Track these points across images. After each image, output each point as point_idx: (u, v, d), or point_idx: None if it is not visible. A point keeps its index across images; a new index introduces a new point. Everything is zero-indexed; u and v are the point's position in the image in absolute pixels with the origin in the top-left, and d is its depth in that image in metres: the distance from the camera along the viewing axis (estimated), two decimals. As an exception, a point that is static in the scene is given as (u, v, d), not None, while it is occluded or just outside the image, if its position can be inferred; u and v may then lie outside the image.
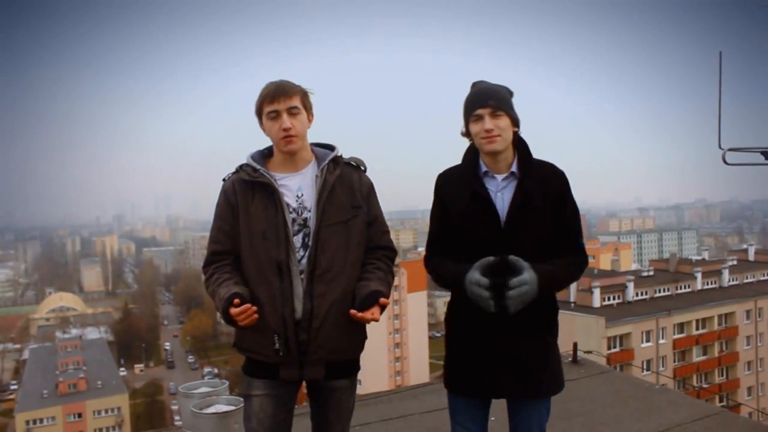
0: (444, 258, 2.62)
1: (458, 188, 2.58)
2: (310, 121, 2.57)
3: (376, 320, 2.44)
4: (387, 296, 2.49)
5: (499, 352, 2.51)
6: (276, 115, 2.48)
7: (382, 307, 2.46)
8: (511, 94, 2.56)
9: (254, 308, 2.35)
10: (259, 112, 2.54)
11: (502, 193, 2.53)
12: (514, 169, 2.55)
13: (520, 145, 2.58)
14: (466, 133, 2.59)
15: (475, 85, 2.61)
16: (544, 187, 2.52)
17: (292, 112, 2.49)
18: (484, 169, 2.57)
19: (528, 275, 2.38)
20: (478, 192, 2.52)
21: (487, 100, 2.47)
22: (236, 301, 2.33)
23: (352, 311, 2.41)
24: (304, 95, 2.54)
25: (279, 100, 2.47)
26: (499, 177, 2.55)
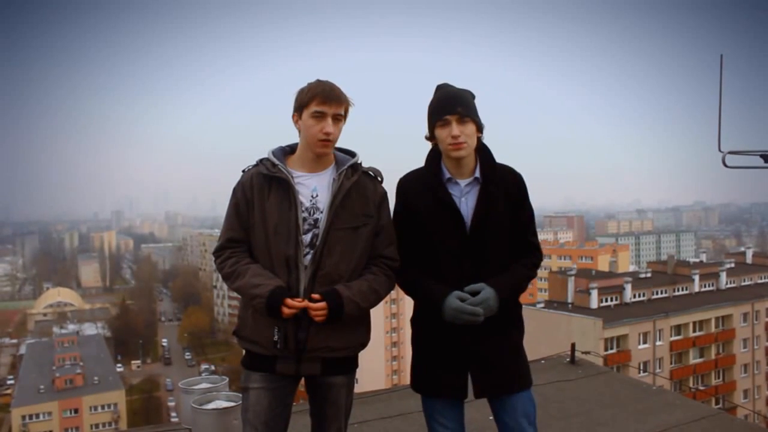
0: (414, 270, 2.65)
1: (421, 193, 2.63)
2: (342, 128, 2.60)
3: (318, 308, 2.42)
4: (354, 297, 2.48)
5: (466, 352, 2.57)
6: (321, 117, 2.49)
7: (339, 305, 2.44)
8: (474, 98, 2.60)
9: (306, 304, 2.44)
10: (302, 106, 2.53)
11: (465, 198, 2.59)
12: (477, 174, 2.60)
13: (482, 151, 2.63)
14: (431, 137, 2.63)
15: (440, 88, 2.63)
16: (506, 190, 2.59)
17: (336, 118, 2.52)
18: (447, 175, 2.61)
19: (487, 292, 2.49)
20: (442, 198, 2.57)
21: (456, 106, 2.51)
22: (299, 300, 2.42)
23: (305, 301, 2.44)
24: (348, 106, 2.58)
25: (330, 104, 2.49)
26: (463, 182, 2.60)
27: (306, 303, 2.43)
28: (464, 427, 2.75)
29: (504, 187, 2.59)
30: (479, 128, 2.58)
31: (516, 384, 2.63)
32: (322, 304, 2.43)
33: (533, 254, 2.68)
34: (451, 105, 2.52)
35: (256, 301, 2.45)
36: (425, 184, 2.63)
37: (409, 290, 2.69)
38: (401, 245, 2.69)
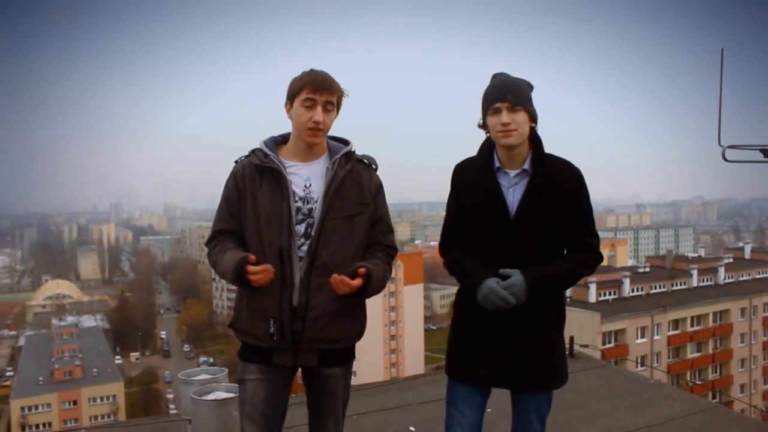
0: (459, 250, 2.67)
1: (472, 181, 2.61)
2: (335, 118, 2.57)
3: (356, 286, 2.38)
4: (377, 278, 2.46)
5: (502, 345, 2.55)
6: (312, 105, 2.47)
7: (367, 284, 2.40)
8: (531, 88, 2.56)
9: (272, 268, 2.36)
10: (293, 95, 2.51)
11: (513, 189, 2.55)
12: (526, 165, 2.55)
13: (535, 142, 2.58)
14: (483, 125, 2.60)
15: (495, 77, 2.59)
16: (556, 184, 2.53)
17: (327, 107, 2.49)
18: (497, 164, 2.58)
19: (516, 278, 2.45)
20: (490, 187, 2.55)
21: (506, 94, 2.47)
22: (252, 258, 2.35)
23: (334, 275, 2.37)
24: (341, 95, 2.55)
25: (321, 92, 2.47)
26: (512, 173, 2.56)
27: (270, 267, 2.36)
28: (482, 420, 2.72)
29: (555, 181, 2.53)
30: (532, 118, 2.52)
31: (538, 383, 2.61)
32: (359, 281, 2.38)
33: (587, 254, 2.59)
34: (502, 93, 2.48)
35: (228, 278, 2.42)
36: (476, 172, 2.61)
37: (453, 267, 2.67)
38: (449, 229, 2.70)
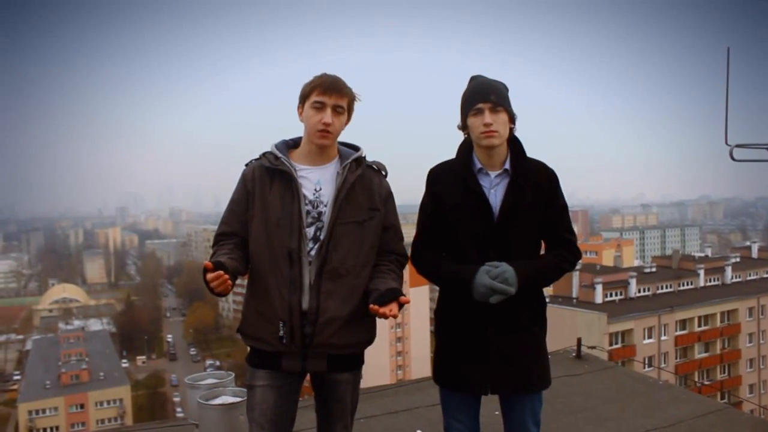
0: (438, 255, 2.66)
1: (451, 183, 2.61)
2: (346, 123, 2.58)
3: (395, 317, 2.38)
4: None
5: (489, 347, 2.54)
6: (321, 107, 2.48)
7: (401, 306, 2.40)
8: (507, 89, 2.59)
9: (226, 276, 2.26)
10: (304, 98, 2.53)
11: (495, 189, 2.58)
12: (507, 166, 2.58)
13: (513, 143, 2.61)
14: (463, 127, 2.62)
15: (474, 79, 2.62)
16: (535, 184, 2.57)
17: (337, 110, 2.50)
18: (478, 165, 2.60)
19: (506, 266, 2.46)
20: (472, 188, 2.56)
21: (489, 94, 2.50)
22: (208, 265, 2.24)
23: (372, 306, 2.35)
24: (352, 99, 2.56)
25: (330, 95, 2.48)
26: (493, 174, 2.59)
27: (222, 274, 2.26)
28: (479, 424, 2.73)
29: (533, 181, 2.57)
30: (512, 119, 2.56)
31: (533, 384, 2.61)
32: (392, 306, 2.37)
33: (567, 249, 2.64)
34: (484, 94, 2.51)
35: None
36: (456, 174, 2.61)
37: (433, 273, 2.66)
38: (426, 234, 2.68)
